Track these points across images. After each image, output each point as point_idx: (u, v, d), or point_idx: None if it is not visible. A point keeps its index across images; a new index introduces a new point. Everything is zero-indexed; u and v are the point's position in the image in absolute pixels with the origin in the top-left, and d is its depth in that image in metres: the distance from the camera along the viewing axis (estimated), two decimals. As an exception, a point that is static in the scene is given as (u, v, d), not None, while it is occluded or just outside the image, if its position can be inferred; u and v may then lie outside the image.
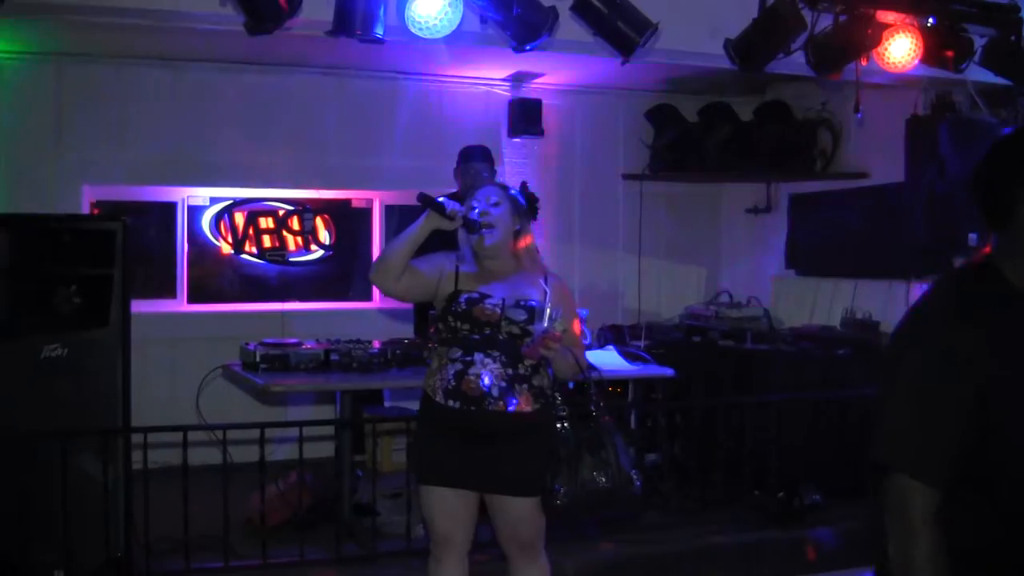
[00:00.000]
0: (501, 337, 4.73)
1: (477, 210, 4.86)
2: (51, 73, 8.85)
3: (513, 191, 5.00)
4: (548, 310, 4.51)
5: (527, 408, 4.73)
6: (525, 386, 4.74)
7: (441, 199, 4.79)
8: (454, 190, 7.82)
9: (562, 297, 4.80)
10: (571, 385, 5.01)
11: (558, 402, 4.79)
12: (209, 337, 8.81)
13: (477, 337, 4.75)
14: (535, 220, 5.00)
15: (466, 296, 4.79)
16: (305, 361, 6.85)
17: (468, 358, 4.74)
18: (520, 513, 4.85)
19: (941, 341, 2.60)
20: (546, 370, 4.82)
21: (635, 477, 4.74)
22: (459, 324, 4.77)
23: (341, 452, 6.93)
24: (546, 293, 4.69)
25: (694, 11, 6.80)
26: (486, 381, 4.70)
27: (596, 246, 10.34)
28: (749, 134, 10.09)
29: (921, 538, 2.57)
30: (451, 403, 4.76)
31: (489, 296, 4.79)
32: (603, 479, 4.64)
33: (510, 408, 4.70)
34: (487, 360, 4.72)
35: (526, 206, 4.97)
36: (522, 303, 4.75)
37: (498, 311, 4.75)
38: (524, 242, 4.90)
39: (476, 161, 7.66)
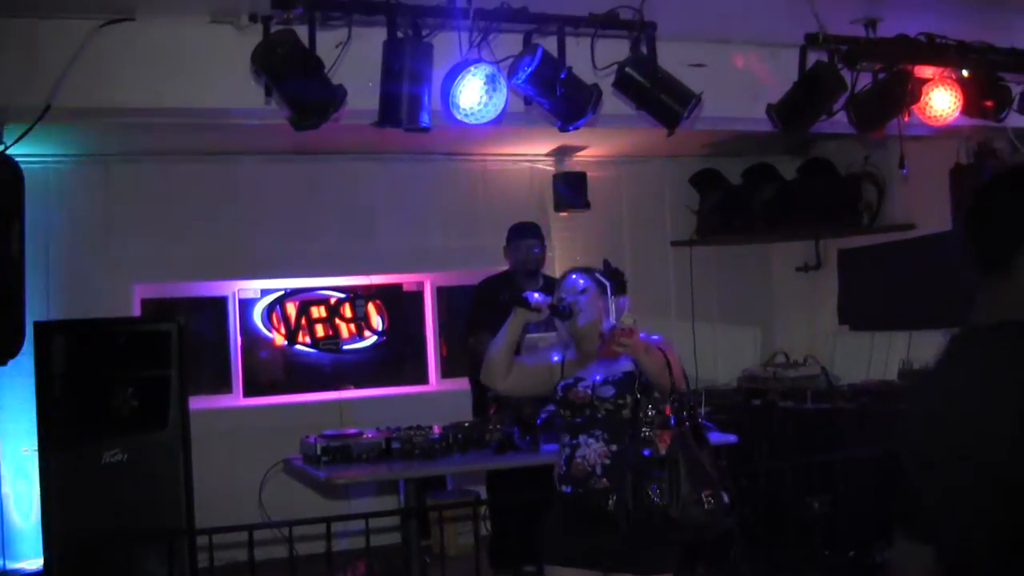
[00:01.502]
0: (599, 416, 4.75)
1: (568, 300, 4.93)
2: (99, 174, 8.95)
3: (599, 272, 5.04)
4: (611, 305, 4.47)
5: None
6: (617, 455, 4.69)
7: (525, 294, 4.92)
8: (506, 269, 7.84)
9: (653, 355, 4.61)
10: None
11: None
12: (267, 429, 8.81)
13: (580, 420, 4.81)
14: (625, 295, 4.98)
15: (563, 383, 4.89)
16: (367, 451, 6.82)
17: (574, 441, 4.80)
18: None
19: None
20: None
21: (706, 499, 4.52)
22: (563, 411, 4.87)
23: (408, 540, 6.89)
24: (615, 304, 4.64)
25: (735, 78, 6.82)
26: (590, 460, 4.71)
27: (648, 314, 10.21)
28: (794, 192, 10.07)
29: None
30: (565, 488, 4.81)
31: (583, 379, 4.85)
32: (663, 501, 4.49)
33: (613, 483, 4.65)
34: (590, 440, 4.75)
35: (613, 286, 4.96)
36: (610, 379, 4.75)
37: (589, 391, 4.78)
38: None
39: (526, 238, 7.69)
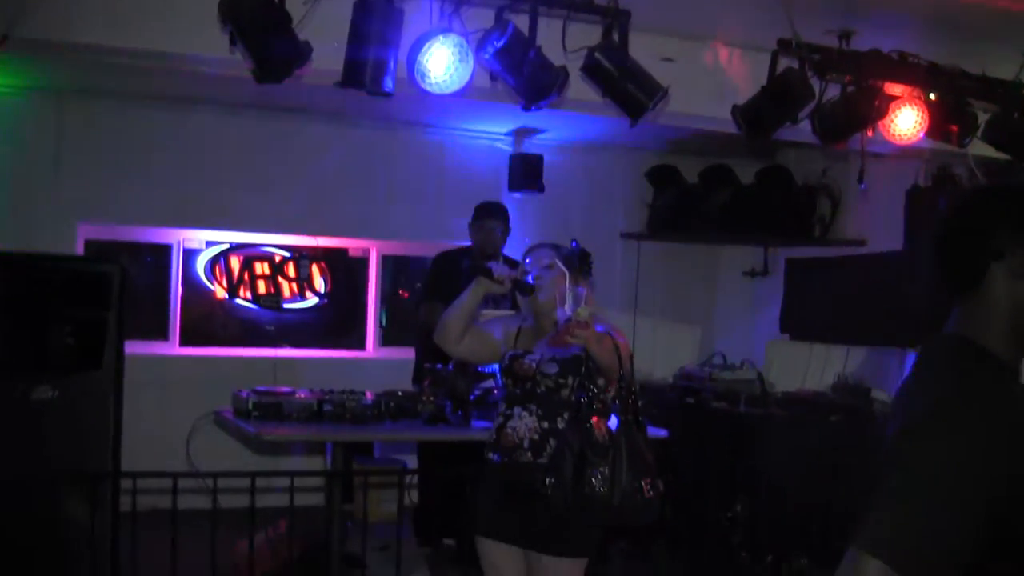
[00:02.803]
0: (539, 390, 4.77)
1: (532, 274, 4.93)
2: (51, 109, 8.86)
3: (566, 250, 5.01)
4: (569, 296, 4.46)
5: None
6: (560, 439, 4.67)
7: (490, 264, 4.91)
8: (467, 243, 7.83)
9: (604, 346, 4.57)
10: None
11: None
12: (200, 380, 8.78)
13: (519, 392, 4.83)
14: (589, 278, 4.98)
15: (511, 353, 4.91)
16: (298, 410, 6.78)
17: (509, 412, 4.83)
18: (549, 569, 4.80)
19: (970, 430, 2.32)
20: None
21: (645, 488, 4.52)
22: (506, 379, 4.90)
23: (331, 503, 6.86)
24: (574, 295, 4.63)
25: (703, 76, 6.83)
26: (520, 433, 4.74)
27: (597, 305, 10.28)
28: (749, 198, 10.12)
29: None
30: (491, 455, 4.85)
31: (531, 352, 4.86)
32: (604, 489, 4.48)
33: (540, 460, 4.67)
34: (523, 413, 4.78)
35: (579, 264, 4.96)
36: (557, 357, 4.76)
37: (533, 365, 4.79)
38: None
39: (489, 219, 7.67)
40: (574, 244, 5.07)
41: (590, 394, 4.62)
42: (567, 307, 4.43)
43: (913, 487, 2.29)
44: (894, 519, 2.29)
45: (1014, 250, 2.42)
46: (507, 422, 4.81)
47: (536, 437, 4.72)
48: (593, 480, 4.46)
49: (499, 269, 4.86)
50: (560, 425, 4.68)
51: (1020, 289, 2.43)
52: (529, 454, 4.72)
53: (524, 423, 4.76)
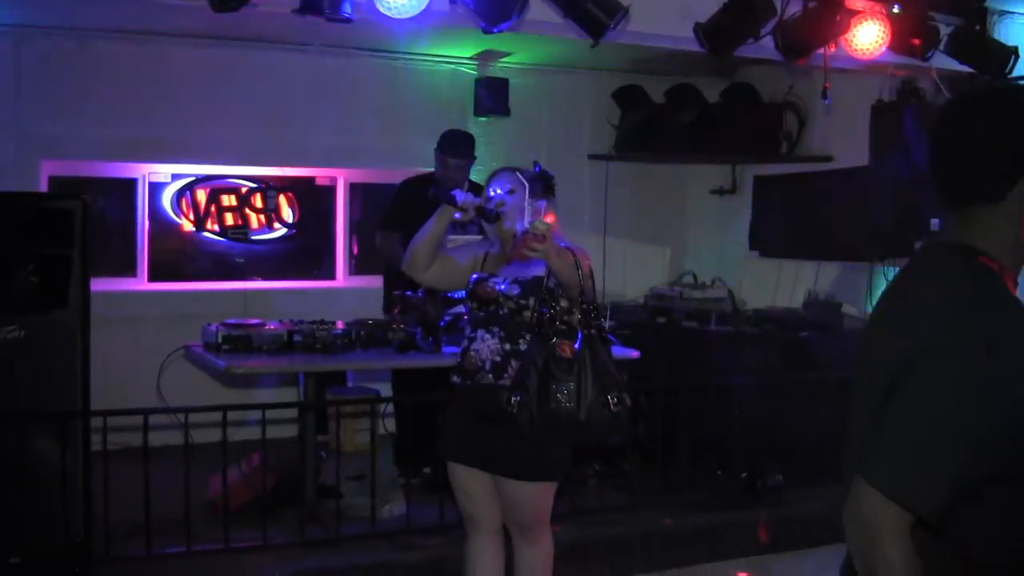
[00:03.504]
0: (502, 313, 4.79)
1: (494, 200, 4.92)
2: (10, 45, 8.70)
3: (528, 173, 4.99)
4: (527, 209, 4.45)
5: None
6: (525, 357, 4.69)
7: (454, 192, 4.90)
8: (431, 171, 7.77)
9: (565, 260, 4.57)
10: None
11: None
12: (170, 316, 8.77)
13: (482, 315, 4.86)
14: (553, 199, 4.96)
15: (476, 277, 4.94)
16: (268, 342, 6.79)
17: (472, 334, 4.87)
18: (517, 495, 4.86)
19: (985, 355, 2.24)
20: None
21: (611, 402, 4.54)
22: (471, 303, 4.92)
23: (304, 435, 6.88)
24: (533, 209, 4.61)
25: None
26: (482, 355, 4.78)
27: (561, 226, 10.25)
28: (715, 116, 10.10)
29: (896, 559, 2.23)
30: (455, 378, 4.91)
31: (495, 276, 4.89)
32: (570, 404, 4.50)
33: (501, 381, 4.70)
34: (486, 336, 4.81)
35: (542, 188, 4.94)
36: (519, 279, 4.78)
37: (497, 288, 4.82)
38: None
39: (457, 158, 7.57)
40: (536, 167, 5.05)
41: (552, 311, 4.62)
42: (525, 220, 4.42)
43: (927, 415, 2.25)
44: (910, 456, 2.24)
45: None
46: (471, 345, 4.85)
47: (498, 359, 4.75)
48: (559, 396, 4.48)
49: (463, 197, 4.85)
50: (522, 347, 4.71)
51: None
52: (491, 376, 4.75)
53: (487, 345, 4.79)
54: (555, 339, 4.55)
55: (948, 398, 2.23)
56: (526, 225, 4.40)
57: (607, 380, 4.56)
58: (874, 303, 2.70)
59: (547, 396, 4.49)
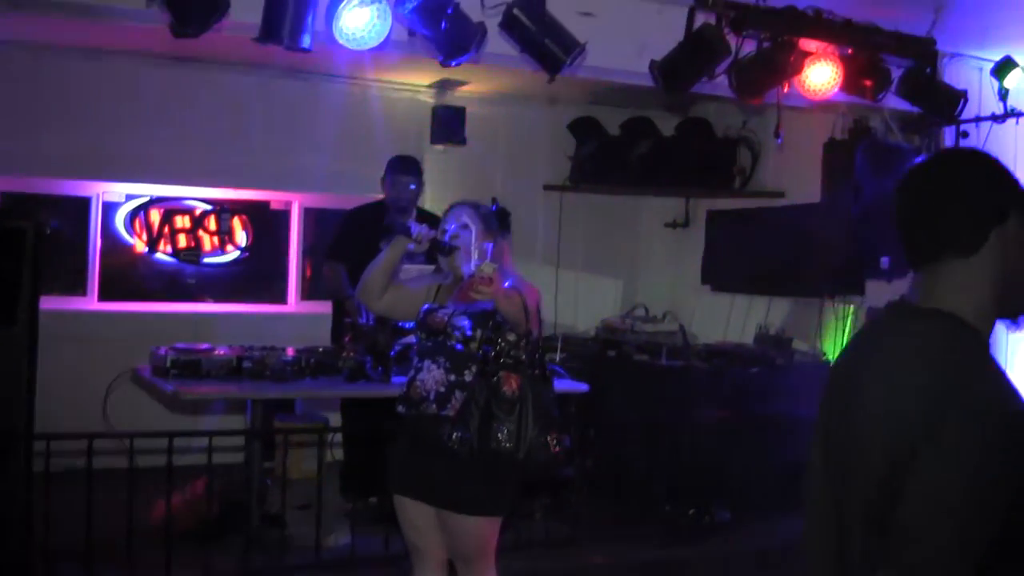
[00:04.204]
0: (449, 344, 4.79)
1: (449, 233, 4.95)
2: (-36, 58, 8.65)
3: (484, 209, 5.03)
4: (474, 252, 4.49)
5: None
6: (467, 394, 4.69)
7: (410, 223, 4.96)
8: (380, 198, 7.78)
9: (512, 302, 4.60)
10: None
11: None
12: (119, 337, 8.69)
13: (430, 345, 4.86)
14: (507, 234, 5.01)
15: (427, 307, 4.95)
16: (217, 367, 6.75)
17: (420, 364, 4.87)
18: (461, 528, 4.82)
19: (994, 434, 2.21)
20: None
21: (551, 442, 4.59)
22: (420, 334, 4.93)
23: (250, 462, 6.85)
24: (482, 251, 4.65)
25: (622, 29, 6.81)
26: (427, 385, 4.77)
27: (514, 256, 10.26)
28: (670, 149, 10.17)
29: None
30: (400, 408, 4.89)
31: (446, 307, 4.90)
32: (509, 444, 4.54)
33: (444, 412, 4.70)
34: (432, 366, 4.80)
35: (497, 224, 4.98)
36: (468, 311, 4.78)
37: (445, 318, 4.82)
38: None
39: (404, 175, 7.63)
40: (494, 206, 5.09)
41: (498, 348, 4.66)
42: (472, 263, 4.47)
43: (946, 502, 2.21)
44: (931, 546, 2.21)
45: (1014, 213, 2.40)
46: (417, 375, 4.85)
47: (442, 390, 4.75)
48: (499, 435, 4.52)
49: (418, 229, 4.88)
50: (467, 378, 4.72)
51: (1013, 254, 2.40)
52: (434, 406, 4.75)
53: (432, 376, 4.79)
54: (499, 375, 4.58)
55: (958, 489, 2.20)
56: (472, 268, 4.44)
57: (547, 421, 4.61)
58: (833, 361, 2.67)
59: (488, 434, 4.52)
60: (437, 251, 4.99)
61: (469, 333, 4.75)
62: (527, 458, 4.55)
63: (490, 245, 4.59)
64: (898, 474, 2.25)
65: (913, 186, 2.50)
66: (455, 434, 4.56)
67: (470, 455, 4.53)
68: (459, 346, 4.78)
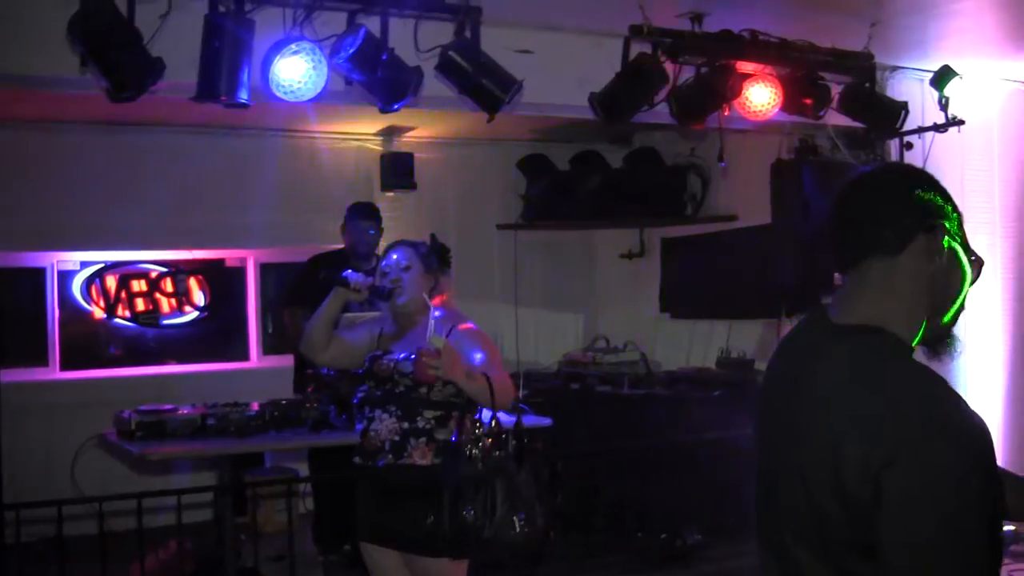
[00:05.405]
0: (398, 391, 4.77)
1: (388, 278, 4.95)
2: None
3: (423, 247, 5.04)
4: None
5: (422, 461, 4.70)
6: (423, 439, 4.71)
7: (345, 274, 4.98)
8: (340, 247, 7.82)
9: (475, 381, 4.63)
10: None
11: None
12: (84, 403, 8.66)
13: (380, 393, 4.83)
14: (448, 271, 5.04)
15: (371, 355, 4.93)
16: (181, 427, 6.75)
17: (371, 414, 4.84)
18: (427, 570, 4.83)
19: (962, 447, 2.17)
20: (462, 423, 4.79)
21: (519, 522, 4.59)
22: (368, 383, 4.89)
23: (222, 518, 6.85)
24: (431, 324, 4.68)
25: (561, 64, 6.86)
26: (381, 435, 4.75)
27: (472, 297, 10.24)
28: (620, 181, 10.25)
29: None
30: (356, 459, 4.88)
31: (390, 353, 4.87)
32: (477, 523, 4.55)
33: (400, 461, 4.70)
34: (383, 416, 4.79)
35: (437, 263, 5.00)
36: (413, 356, 4.76)
37: (391, 365, 4.80)
38: (440, 297, 4.93)
39: (362, 219, 7.68)
40: (430, 241, 5.11)
41: (472, 431, 4.73)
42: (428, 335, 4.50)
43: (931, 529, 2.14)
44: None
45: (942, 227, 2.40)
46: (369, 425, 4.83)
47: (396, 439, 4.74)
48: (465, 514, 4.55)
49: (355, 278, 4.93)
50: (420, 424, 4.73)
51: (939, 263, 2.40)
52: (391, 456, 4.74)
53: (385, 425, 4.77)
54: (473, 452, 4.63)
55: (942, 511, 2.15)
56: (426, 344, 4.48)
57: (517, 501, 4.62)
58: (761, 383, 2.65)
59: (457, 515, 4.55)
60: (376, 297, 4.98)
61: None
62: (495, 536, 4.56)
63: (435, 317, 4.62)
64: (854, 514, 2.21)
65: (846, 193, 2.53)
66: (428, 518, 4.60)
67: (442, 531, 4.57)
68: (408, 392, 4.75)
